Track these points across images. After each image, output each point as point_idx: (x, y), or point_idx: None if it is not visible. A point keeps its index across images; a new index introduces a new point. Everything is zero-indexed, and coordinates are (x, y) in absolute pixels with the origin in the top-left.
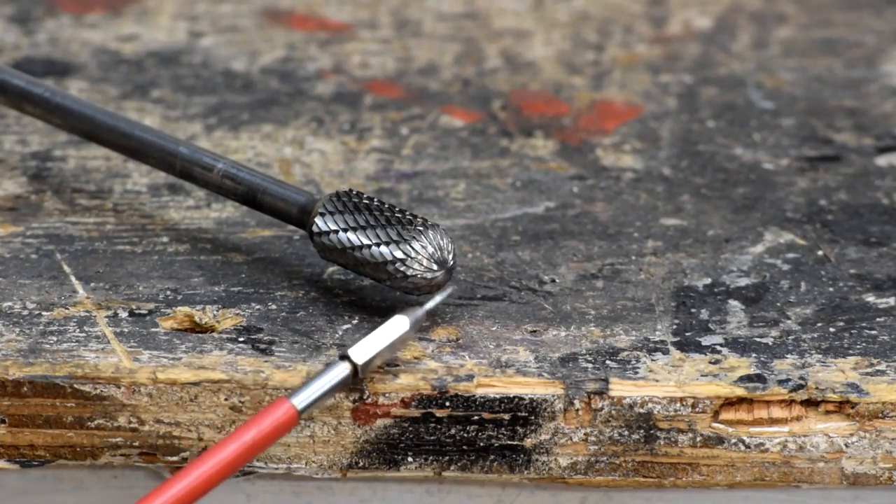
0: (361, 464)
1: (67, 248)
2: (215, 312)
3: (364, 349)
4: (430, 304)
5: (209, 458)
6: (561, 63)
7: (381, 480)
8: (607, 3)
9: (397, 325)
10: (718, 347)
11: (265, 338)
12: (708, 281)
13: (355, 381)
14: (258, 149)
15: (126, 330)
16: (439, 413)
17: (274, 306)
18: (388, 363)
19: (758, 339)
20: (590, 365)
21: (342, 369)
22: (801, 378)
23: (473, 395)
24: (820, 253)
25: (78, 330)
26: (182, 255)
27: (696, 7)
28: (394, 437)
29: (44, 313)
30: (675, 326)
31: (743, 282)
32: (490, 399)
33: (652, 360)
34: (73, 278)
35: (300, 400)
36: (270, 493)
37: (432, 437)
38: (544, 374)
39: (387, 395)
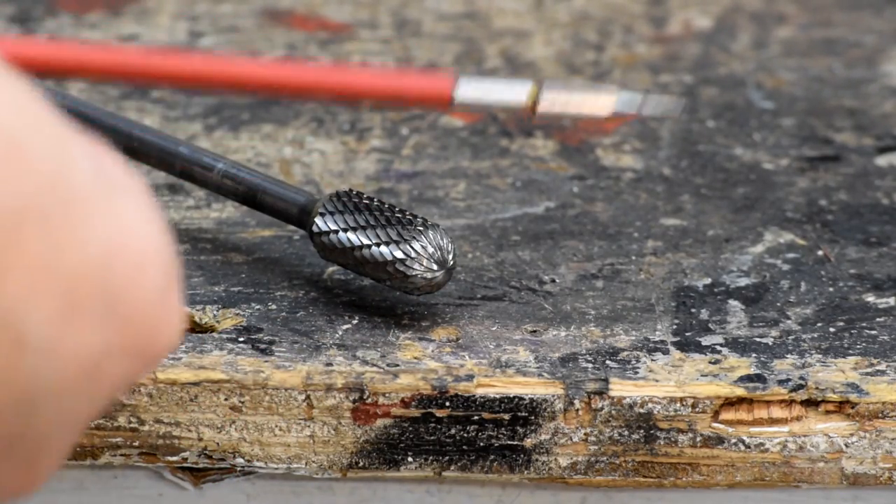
0: (361, 464)
1: None
2: (215, 312)
3: (554, 86)
4: (647, 110)
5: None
6: (561, 63)
7: (381, 480)
8: (607, 3)
9: (600, 92)
10: (718, 347)
11: (265, 338)
12: (708, 281)
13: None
14: (258, 149)
15: None
16: (439, 413)
17: (274, 306)
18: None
19: (758, 339)
20: (590, 365)
21: (523, 88)
22: (801, 378)
23: (473, 395)
24: (820, 253)
25: None
26: (182, 255)
27: (696, 7)
28: (394, 437)
29: None
30: (675, 326)
31: (743, 282)
32: (490, 399)
33: (652, 360)
34: None
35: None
36: (270, 493)
37: (432, 437)
38: (544, 374)
39: (387, 395)
